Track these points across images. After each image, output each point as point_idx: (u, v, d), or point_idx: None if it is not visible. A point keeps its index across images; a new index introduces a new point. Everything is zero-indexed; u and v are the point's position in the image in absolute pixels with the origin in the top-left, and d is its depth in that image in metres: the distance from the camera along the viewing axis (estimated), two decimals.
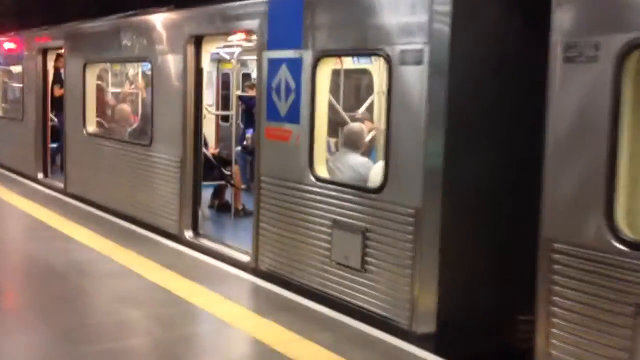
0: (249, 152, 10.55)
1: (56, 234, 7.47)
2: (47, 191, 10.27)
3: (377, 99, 9.21)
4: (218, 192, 8.73)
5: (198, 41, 7.20)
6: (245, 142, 10.64)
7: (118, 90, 10.85)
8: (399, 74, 4.66)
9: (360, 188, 5.16)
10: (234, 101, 10.76)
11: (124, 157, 8.50)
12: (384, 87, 9.16)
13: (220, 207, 8.78)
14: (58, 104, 11.53)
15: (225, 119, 11.66)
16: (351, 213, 5.09)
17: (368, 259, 4.91)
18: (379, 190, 4.84)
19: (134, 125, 9.14)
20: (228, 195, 8.92)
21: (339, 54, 5.66)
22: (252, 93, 11.91)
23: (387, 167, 4.76)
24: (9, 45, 12.89)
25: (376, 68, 9.12)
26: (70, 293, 5.63)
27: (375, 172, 5.33)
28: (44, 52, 11.28)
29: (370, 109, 8.98)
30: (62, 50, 10.67)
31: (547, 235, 3.68)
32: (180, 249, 7.08)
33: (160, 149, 7.73)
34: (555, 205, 3.66)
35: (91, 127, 9.55)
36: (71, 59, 10.00)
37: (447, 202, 4.41)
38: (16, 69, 14.26)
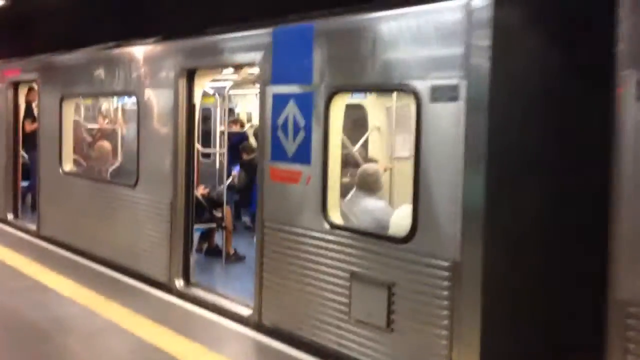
0: (236, 191, 10.04)
1: (32, 284, 6.79)
2: (19, 234, 9.55)
3: (372, 135, 8.86)
4: (207, 236, 8.14)
5: (191, 74, 6.71)
6: (231, 180, 10.12)
7: (97, 126, 10.23)
8: (429, 112, 4.23)
9: (383, 237, 4.67)
10: (218, 138, 10.26)
11: (105, 198, 7.88)
12: (380, 123, 8.81)
13: (210, 251, 8.18)
14: (29, 140, 10.88)
15: (206, 155, 11.14)
16: (373, 265, 4.59)
17: (395, 317, 4.40)
18: (406, 239, 4.36)
19: (116, 164, 8.53)
20: (217, 238, 8.34)
21: (356, 89, 5.22)
22: (235, 129, 11.48)
23: (416, 213, 4.29)
24: None
25: (371, 103, 8.77)
26: (53, 354, 5.01)
27: (397, 218, 4.86)
28: (15, 86, 10.63)
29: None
30: (35, 84, 10.07)
31: (620, 297, 3.23)
32: (170, 300, 6.47)
33: (148, 190, 7.15)
34: (629, 262, 3.22)
35: (68, 166, 8.91)
36: (46, 93, 9.39)
37: (489, 253, 3.94)
38: None
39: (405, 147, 7.92)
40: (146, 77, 7.27)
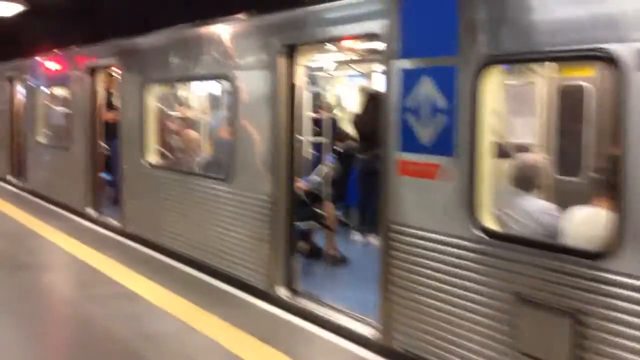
0: (332, 183, 9.12)
1: (119, 290, 6.09)
2: (101, 230, 8.96)
3: None
4: (305, 235, 7.26)
5: (291, 52, 5.82)
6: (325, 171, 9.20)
7: (179, 114, 9.48)
8: (638, 84, 3.17)
9: (564, 249, 3.64)
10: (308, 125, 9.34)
11: (195, 193, 7.12)
12: (497, 105, 7.64)
13: (309, 252, 7.31)
14: (108, 130, 10.32)
15: None
16: (549, 286, 3.58)
17: (585, 355, 3.38)
18: (604, 254, 3.33)
19: (206, 156, 7.76)
20: (316, 238, 7.45)
21: (519, 60, 4.17)
22: (325, 115, 10.56)
23: (622, 219, 3.24)
24: (51, 65, 11.72)
25: None
26: None
27: (574, 224, 3.82)
28: (93, 72, 10.04)
29: None
30: (114, 69, 9.44)
31: None
32: (273, 311, 5.63)
33: (243, 184, 6.34)
34: None
35: (152, 157, 8.22)
36: (127, 78, 8.72)
37: None
38: (59, 91, 13.20)
39: (526, 133, 6.82)
40: (239, 57, 6.43)
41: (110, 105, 10.42)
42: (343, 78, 10.52)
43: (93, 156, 9.95)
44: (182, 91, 9.56)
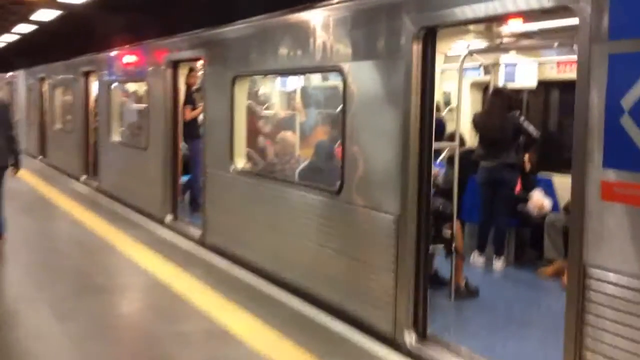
0: (441, 194, 7.87)
1: (209, 326, 5.02)
2: (179, 241, 7.99)
3: None
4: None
5: (429, 36, 4.61)
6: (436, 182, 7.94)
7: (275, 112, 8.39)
8: None
9: None
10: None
11: (294, 206, 6.02)
12: None
13: (432, 281, 6.07)
14: (189, 129, 9.40)
15: None
16: None
17: None
18: None
19: (306, 162, 6.63)
20: (436, 263, 6.22)
21: None
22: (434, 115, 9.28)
23: None
24: (128, 59, 10.89)
25: None
26: None
27: None
28: (175, 66, 9.10)
29: None
30: (200, 62, 8.47)
31: None
32: None
33: (359, 198, 5.18)
34: None
35: (241, 162, 7.18)
36: (214, 72, 7.71)
37: None
38: (137, 86, 12.48)
39: None
40: (357, 44, 5.27)
41: (190, 102, 9.53)
42: (454, 72, 9.21)
43: (174, 158, 9.01)
44: (278, 86, 8.47)
